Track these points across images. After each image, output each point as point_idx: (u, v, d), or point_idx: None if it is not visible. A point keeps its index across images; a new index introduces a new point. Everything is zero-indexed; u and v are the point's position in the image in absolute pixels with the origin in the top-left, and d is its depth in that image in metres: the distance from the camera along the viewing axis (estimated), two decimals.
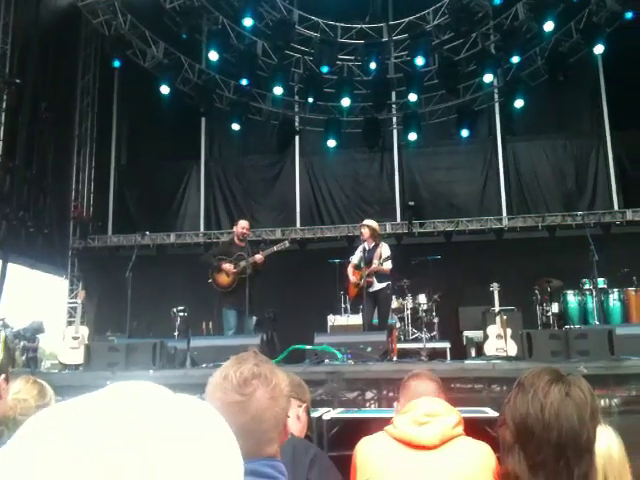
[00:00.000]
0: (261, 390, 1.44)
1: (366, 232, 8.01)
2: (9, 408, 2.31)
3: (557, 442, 1.56)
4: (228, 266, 7.87)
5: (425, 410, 2.38)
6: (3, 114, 11.09)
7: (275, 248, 7.96)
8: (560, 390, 1.61)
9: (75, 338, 8.62)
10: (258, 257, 7.82)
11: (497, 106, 12.63)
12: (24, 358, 7.84)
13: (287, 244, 8.12)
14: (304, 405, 2.75)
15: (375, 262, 7.78)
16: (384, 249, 7.94)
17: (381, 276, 7.86)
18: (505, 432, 1.68)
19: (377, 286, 7.85)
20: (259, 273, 7.99)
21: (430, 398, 2.46)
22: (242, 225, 8.08)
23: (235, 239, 8.11)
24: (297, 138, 13.12)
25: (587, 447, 1.59)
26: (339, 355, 5.80)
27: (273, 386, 1.47)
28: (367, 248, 7.98)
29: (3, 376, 1.70)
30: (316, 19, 12.00)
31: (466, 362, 6.16)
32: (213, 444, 0.55)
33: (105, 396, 0.57)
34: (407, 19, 11.92)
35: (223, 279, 7.95)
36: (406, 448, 2.29)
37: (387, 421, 2.52)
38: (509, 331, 8.01)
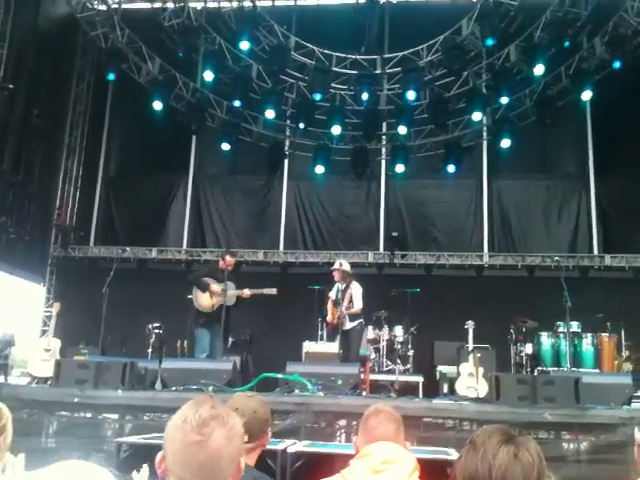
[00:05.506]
0: (218, 430, 1.52)
1: (337, 274, 8.35)
2: None
3: None
4: (216, 287, 8.01)
5: (381, 457, 2.42)
6: None
7: (264, 292, 8.12)
8: (509, 452, 1.65)
9: (47, 350, 8.54)
10: (246, 293, 8.05)
11: (485, 144, 12.80)
12: None
13: (275, 292, 8.17)
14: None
15: (344, 305, 8.11)
16: (354, 291, 8.28)
17: (353, 315, 8.22)
18: None
19: (348, 325, 8.22)
20: (238, 304, 8.15)
21: (386, 444, 2.51)
22: (228, 262, 8.21)
23: (220, 265, 8.27)
24: (286, 162, 13.19)
25: None
26: (309, 386, 5.81)
27: (230, 427, 1.55)
28: (340, 288, 8.32)
29: None
30: (312, 47, 12.13)
31: (434, 401, 6.19)
32: None
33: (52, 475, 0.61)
34: (401, 53, 12.07)
35: (206, 301, 8.05)
36: None
37: (350, 458, 2.56)
38: (481, 370, 8.07)
